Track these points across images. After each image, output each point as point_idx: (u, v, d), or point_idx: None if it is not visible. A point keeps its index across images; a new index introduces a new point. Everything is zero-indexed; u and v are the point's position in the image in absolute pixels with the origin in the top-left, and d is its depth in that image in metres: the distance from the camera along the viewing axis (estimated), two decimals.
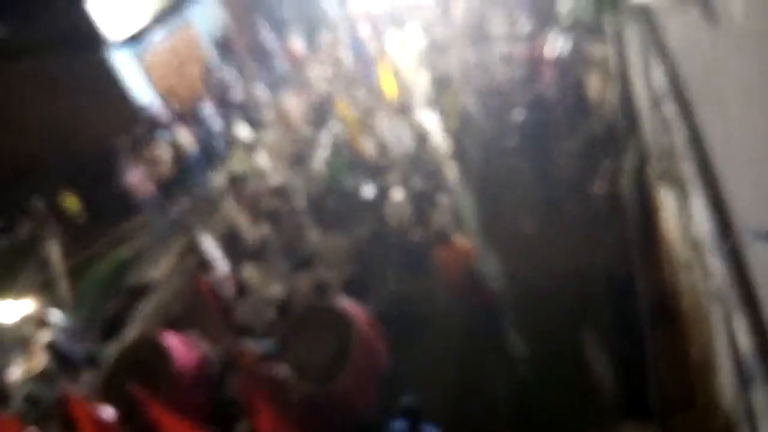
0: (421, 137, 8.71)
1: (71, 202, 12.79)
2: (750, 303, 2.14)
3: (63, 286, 10.11)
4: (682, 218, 3.91)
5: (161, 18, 14.10)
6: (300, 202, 9.47)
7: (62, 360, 8.38)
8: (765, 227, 1.00)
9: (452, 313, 7.25)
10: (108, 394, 6.61)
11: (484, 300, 6.87)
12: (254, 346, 5.80)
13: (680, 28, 2.83)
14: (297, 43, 15.69)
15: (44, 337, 8.37)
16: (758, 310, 2.11)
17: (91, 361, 7.80)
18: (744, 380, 2.43)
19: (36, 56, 12.60)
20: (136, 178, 11.16)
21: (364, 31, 14.63)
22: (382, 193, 7.93)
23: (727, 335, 2.63)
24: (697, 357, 4.18)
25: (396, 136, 9.80)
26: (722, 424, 3.39)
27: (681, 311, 4.93)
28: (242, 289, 7.31)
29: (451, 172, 9.75)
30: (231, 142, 13.03)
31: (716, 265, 2.80)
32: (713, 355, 3.49)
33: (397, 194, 7.87)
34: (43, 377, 8.68)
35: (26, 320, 9.35)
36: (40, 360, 8.74)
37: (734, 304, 2.32)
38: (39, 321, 8.66)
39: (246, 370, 5.65)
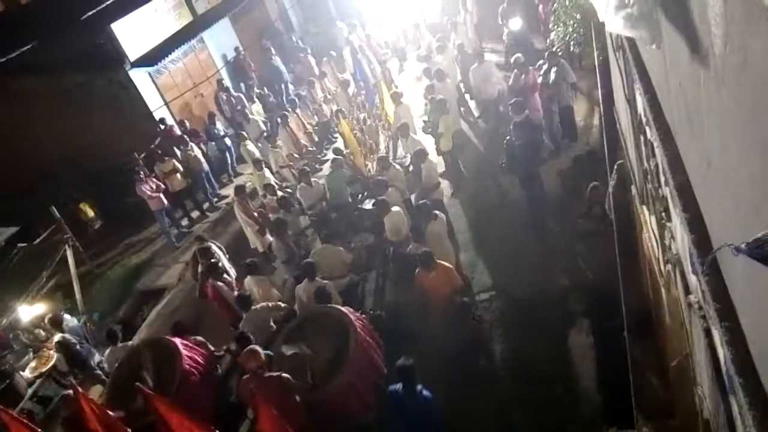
0: (418, 156, 8.72)
1: (88, 209, 12.80)
2: (728, 317, 2.12)
3: (76, 289, 10.05)
4: (663, 237, 3.91)
5: (178, 39, 14.19)
6: (303, 214, 9.48)
7: (73, 360, 8.31)
8: (739, 243, 1.00)
9: (444, 327, 7.22)
10: (116, 394, 6.56)
11: (470, 329, 6.87)
12: (260, 351, 5.76)
13: (661, 59, 2.84)
14: (311, 63, 15.78)
15: (56, 338, 8.32)
16: (736, 323, 2.09)
17: (112, 337, 7.74)
18: (723, 392, 2.41)
19: (58, 72, 12.66)
20: (149, 190, 11.18)
21: (368, 57, 14.76)
22: (381, 207, 7.92)
23: (707, 348, 2.61)
24: (677, 369, 4.15)
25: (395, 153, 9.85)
26: None
27: (662, 325, 4.91)
28: (245, 300, 7.24)
29: (446, 190, 9.77)
30: (240, 157, 13.07)
31: (695, 281, 2.79)
32: (693, 367, 3.46)
33: (396, 208, 7.86)
34: (52, 377, 8.62)
35: (39, 322, 9.30)
36: (51, 360, 8.69)
37: (713, 318, 2.30)
38: (52, 322, 8.60)
39: (250, 373, 5.60)
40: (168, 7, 14.50)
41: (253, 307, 7.18)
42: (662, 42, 2.16)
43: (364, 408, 5.97)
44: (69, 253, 10.28)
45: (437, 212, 7.63)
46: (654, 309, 5.52)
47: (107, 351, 7.99)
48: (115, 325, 8.64)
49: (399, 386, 5.28)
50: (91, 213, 12.95)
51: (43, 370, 8.68)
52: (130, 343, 7.91)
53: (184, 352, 6.70)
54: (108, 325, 9.17)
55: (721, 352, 2.32)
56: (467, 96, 12.60)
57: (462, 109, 12.16)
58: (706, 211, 2.49)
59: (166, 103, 13.37)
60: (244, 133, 12.37)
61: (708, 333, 2.60)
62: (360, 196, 10.12)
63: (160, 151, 12.13)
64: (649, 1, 1.98)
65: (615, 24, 2.51)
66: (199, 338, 7.41)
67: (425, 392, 5.25)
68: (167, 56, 13.73)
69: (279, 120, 12.44)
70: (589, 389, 6.29)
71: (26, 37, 10.74)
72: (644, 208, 4.97)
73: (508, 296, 7.71)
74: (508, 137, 8.67)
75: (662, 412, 5.06)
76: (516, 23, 11.34)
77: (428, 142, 10.47)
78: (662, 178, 3.46)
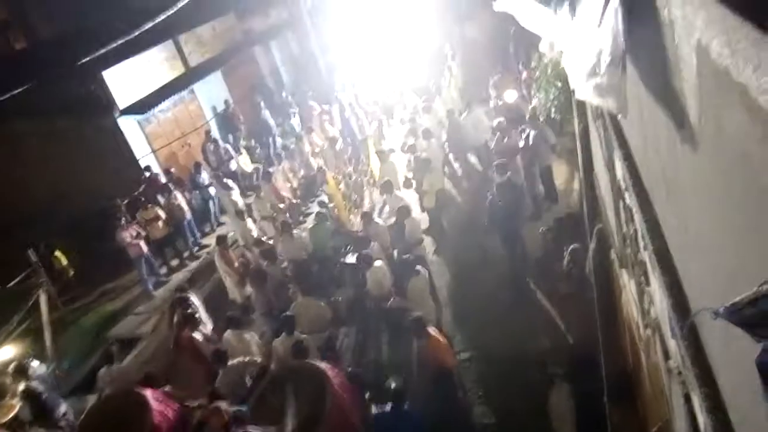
0: (402, 212, 8.78)
1: (62, 257, 12.54)
2: (707, 382, 2.12)
3: (47, 335, 9.74)
4: (642, 301, 3.93)
5: (169, 90, 14.39)
6: (284, 266, 9.40)
7: (38, 410, 7.95)
8: (717, 307, 1.02)
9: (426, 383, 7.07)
10: None
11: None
12: (226, 407, 5.54)
13: (639, 127, 2.94)
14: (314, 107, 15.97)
15: (21, 386, 7.98)
16: (715, 388, 2.09)
17: (109, 357, 8.07)
18: None
19: (47, 115, 12.70)
20: (129, 236, 11.06)
21: (357, 114, 15.09)
22: (364, 261, 7.90)
23: (686, 413, 2.59)
24: None
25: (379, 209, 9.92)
26: None
27: (642, 390, 4.87)
28: (222, 355, 7.05)
29: (428, 247, 9.81)
30: (223, 208, 13.05)
31: (674, 346, 2.79)
32: None
33: (378, 263, 7.84)
34: (16, 425, 8.21)
35: (4, 368, 8.93)
36: (13, 410, 8.29)
37: (692, 384, 2.29)
38: (17, 370, 8.27)
39: (216, 427, 5.39)
40: (161, 58, 14.79)
41: (230, 363, 6.99)
42: (628, 112, 2.24)
43: None
44: (42, 298, 10.02)
45: (420, 268, 7.63)
46: (634, 373, 5.49)
47: (102, 371, 7.96)
48: (113, 344, 8.42)
49: (387, 408, 5.24)
50: (64, 261, 12.69)
51: (3, 420, 8.27)
52: (123, 364, 7.70)
53: (155, 405, 6.46)
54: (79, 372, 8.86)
55: (701, 418, 2.31)
56: (451, 156, 12.83)
57: (446, 168, 12.37)
58: (684, 276, 2.53)
59: (153, 151, 13.43)
60: (229, 182, 12.40)
61: (688, 399, 2.59)
62: (342, 249, 10.11)
63: (143, 198, 12.08)
64: (617, 72, 2.04)
65: (585, 92, 2.61)
66: (167, 389, 7.16)
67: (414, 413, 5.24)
68: (157, 105, 13.89)
69: (263, 175, 12.52)
70: None
71: (18, 80, 10.82)
72: (624, 271, 5.01)
73: (488, 356, 7.62)
74: (490, 197, 8.80)
75: None
76: (511, 95, 11.64)
77: (412, 199, 10.57)
78: (641, 243, 3.51)
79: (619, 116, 2.23)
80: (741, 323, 0.96)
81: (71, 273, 12.69)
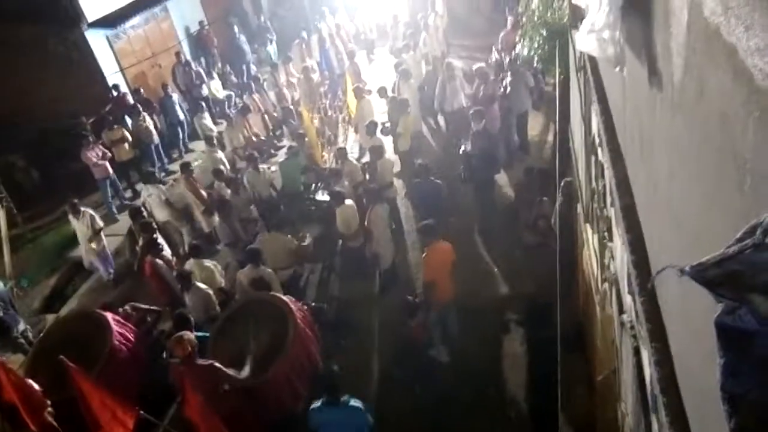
0: (375, 152, 8.70)
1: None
2: (658, 337, 2.19)
3: (6, 251, 9.55)
4: (603, 255, 4.02)
5: (140, 5, 13.68)
6: (251, 196, 9.28)
7: None
8: (683, 266, 1.03)
9: (387, 323, 7.23)
10: (39, 364, 6.26)
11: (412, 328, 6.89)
12: (190, 337, 5.55)
13: (621, 83, 2.91)
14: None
15: None
16: (665, 344, 2.17)
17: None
18: (645, 409, 2.50)
19: (10, 23, 11.99)
20: (94, 156, 10.75)
21: (337, 47, 14.64)
22: (336, 199, 7.87)
23: (635, 365, 2.70)
24: (603, 384, 4.29)
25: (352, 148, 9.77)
26: None
27: (593, 341, 5.06)
28: (186, 278, 7.02)
29: (399, 189, 9.79)
30: (192, 134, 12.73)
31: (629, 301, 2.88)
32: (619, 384, 3.58)
33: (349, 202, 7.82)
34: None
35: None
36: None
37: (644, 338, 2.38)
38: None
39: (180, 358, 5.43)
40: None
41: (195, 285, 6.96)
42: (624, 66, 2.22)
43: (296, 398, 5.91)
44: (1, 213, 9.77)
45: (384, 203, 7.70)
46: (587, 324, 5.69)
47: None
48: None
49: (319, 403, 4.92)
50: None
51: None
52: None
53: (115, 327, 6.47)
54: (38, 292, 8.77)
55: (648, 371, 2.41)
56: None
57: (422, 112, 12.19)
58: (647, 233, 2.58)
59: (122, 70, 12.89)
60: (203, 104, 12.03)
61: (637, 352, 2.69)
62: (313, 186, 10.03)
63: (111, 118, 11.67)
64: (616, 23, 2.03)
65: (585, 43, 2.57)
66: (128, 307, 7.14)
67: (353, 402, 4.93)
68: (128, 21, 13.22)
69: (240, 108, 12.17)
70: (519, 395, 6.45)
71: None
72: (588, 226, 5.11)
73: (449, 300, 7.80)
74: (463, 147, 8.73)
75: (585, 424, 5.23)
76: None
77: (387, 141, 10.46)
78: (609, 199, 3.56)
79: (617, 69, 2.22)
80: (705, 283, 0.97)
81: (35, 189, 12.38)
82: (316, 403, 4.97)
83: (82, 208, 9.20)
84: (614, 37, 2.14)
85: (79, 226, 9.19)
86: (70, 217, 9.23)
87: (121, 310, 7.04)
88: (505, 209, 9.05)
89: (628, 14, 2.11)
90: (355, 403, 4.93)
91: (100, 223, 9.35)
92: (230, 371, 5.44)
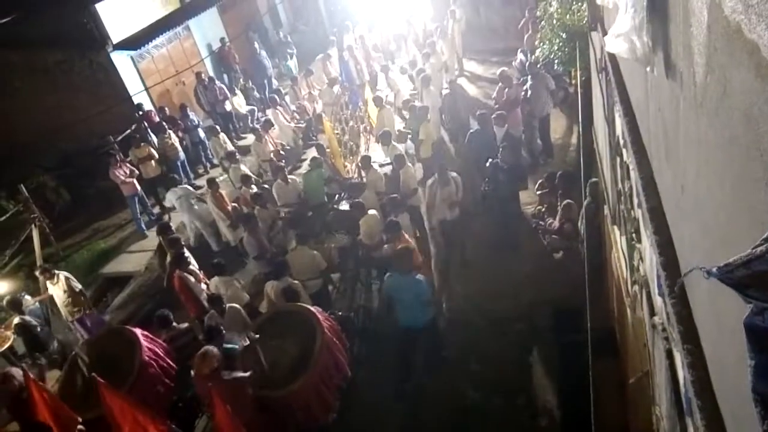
0: (398, 161, 8.72)
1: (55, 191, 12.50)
2: (690, 339, 2.16)
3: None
4: (631, 257, 3.97)
5: (163, 25, 13.99)
6: (277, 210, 9.38)
7: (31, 344, 8.09)
8: (710, 267, 1.03)
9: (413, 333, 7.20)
10: (72, 381, 6.40)
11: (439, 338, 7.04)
12: (215, 352, 5.57)
13: (643, 83, 2.89)
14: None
15: (15, 320, 8.07)
16: (698, 346, 2.14)
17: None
18: (681, 413, 2.46)
19: (38, 48, 12.38)
20: (122, 174, 10.99)
21: (356, 58, 14.73)
22: (358, 209, 7.90)
23: (668, 368, 2.66)
24: (636, 388, 4.22)
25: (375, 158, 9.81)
26: None
27: (625, 344, 4.99)
28: (217, 300, 7.07)
29: (422, 198, 9.77)
30: (216, 149, 12.90)
31: (660, 303, 2.84)
32: (653, 387, 3.52)
33: (372, 211, 7.85)
34: (5, 355, 8.34)
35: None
36: (7, 341, 8.41)
37: (676, 340, 2.34)
38: (10, 304, 8.35)
39: (204, 373, 5.47)
40: None
41: (228, 307, 7.03)
42: (654, 66, 2.22)
43: (326, 409, 5.93)
44: (35, 233, 10.02)
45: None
46: (618, 328, 5.61)
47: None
48: None
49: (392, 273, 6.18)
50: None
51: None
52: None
53: (145, 343, 6.57)
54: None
55: (682, 373, 2.37)
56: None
57: (443, 116, 12.19)
58: (676, 234, 2.54)
59: (147, 89, 13.15)
60: (217, 126, 12.17)
61: (670, 354, 2.65)
62: (336, 196, 10.08)
63: (137, 136, 11.92)
64: (642, 27, 2.04)
65: (615, 45, 2.57)
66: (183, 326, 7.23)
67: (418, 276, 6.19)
68: (151, 41, 13.52)
69: (263, 123, 12.30)
70: (550, 402, 6.36)
71: (8, 9, 10.48)
72: (615, 228, 5.05)
73: (477, 307, 7.75)
74: (490, 159, 8.58)
75: (619, 430, 5.14)
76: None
77: (408, 148, 10.48)
78: (635, 200, 3.52)
79: (647, 69, 2.22)
80: (733, 284, 0.97)
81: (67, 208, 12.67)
82: (390, 273, 6.37)
83: (56, 271, 8.42)
84: (642, 38, 2.16)
85: (55, 290, 8.39)
86: (46, 281, 8.41)
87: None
88: (530, 214, 8.97)
89: (652, 16, 2.11)
90: (419, 276, 6.26)
91: (78, 285, 8.62)
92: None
